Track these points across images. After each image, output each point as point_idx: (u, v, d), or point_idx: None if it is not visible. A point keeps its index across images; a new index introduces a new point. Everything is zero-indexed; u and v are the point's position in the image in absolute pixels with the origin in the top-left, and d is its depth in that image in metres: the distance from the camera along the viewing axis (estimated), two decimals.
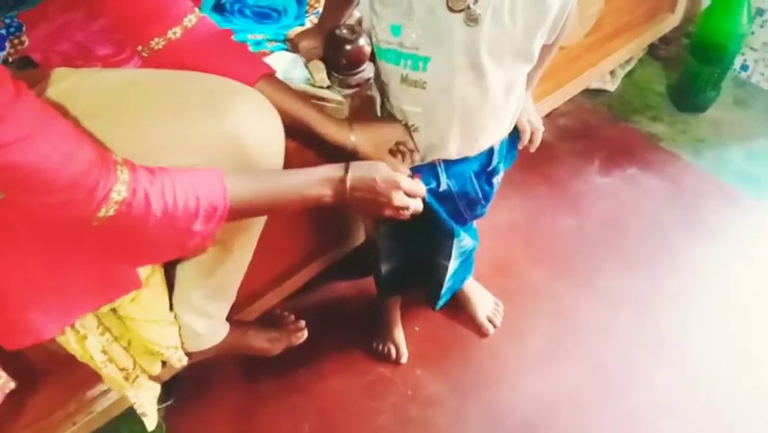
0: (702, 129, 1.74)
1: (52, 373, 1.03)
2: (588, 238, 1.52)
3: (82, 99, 0.81)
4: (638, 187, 1.62)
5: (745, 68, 1.81)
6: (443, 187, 0.99)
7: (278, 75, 1.00)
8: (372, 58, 0.94)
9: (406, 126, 0.93)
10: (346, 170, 0.82)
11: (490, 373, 1.30)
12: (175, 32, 0.86)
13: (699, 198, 1.59)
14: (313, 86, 1.01)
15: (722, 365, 1.29)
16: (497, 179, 1.08)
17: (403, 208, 0.85)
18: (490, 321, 1.35)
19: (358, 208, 0.88)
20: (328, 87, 1.02)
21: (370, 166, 0.84)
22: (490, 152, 1.01)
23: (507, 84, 0.88)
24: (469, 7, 0.78)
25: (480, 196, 1.06)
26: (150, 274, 0.94)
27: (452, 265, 1.17)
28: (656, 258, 1.48)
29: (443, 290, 1.23)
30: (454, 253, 1.13)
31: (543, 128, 1.06)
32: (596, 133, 1.75)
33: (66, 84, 0.84)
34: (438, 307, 1.30)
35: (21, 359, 0.98)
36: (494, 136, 0.96)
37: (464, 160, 0.98)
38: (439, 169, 0.97)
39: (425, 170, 0.97)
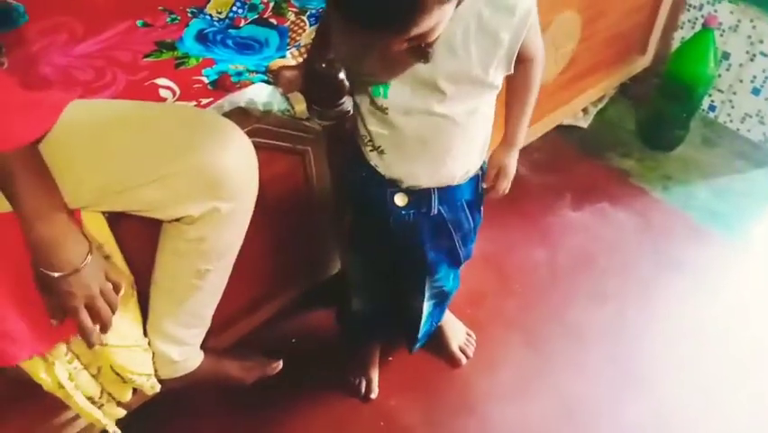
0: (671, 166, 1.79)
1: (17, 402, 1.01)
2: (559, 270, 1.55)
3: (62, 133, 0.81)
4: (608, 221, 1.66)
5: (712, 108, 1.88)
6: (434, 211, 0.99)
7: (259, 106, 1.02)
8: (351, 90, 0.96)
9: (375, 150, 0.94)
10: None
11: (462, 403, 1.31)
12: None
13: (666, 233, 1.63)
14: (293, 117, 1.03)
15: (689, 399, 1.31)
16: (483, 208, 1.09)
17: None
18: (463, 352, 1.36)
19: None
20: (307, 119, 1.03)
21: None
22: (477, 179, 1.02)
23: (469, 108, 0.89)
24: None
25: (473, 226, 1.06)
26: (124, 299, 0.94)
27: (426, 307, 1.16)
28: (625, 290, 1.51)
29: (420, 334, 1.23)
30: (428, 292, 1.13)
31: (512, 175, 1.07)
32: (568, 168, 1.79)
33: None
34: (414, 350, 1.29)
35: None
36: (464, 162, 0.96)
37: (456, 186, 0.99)
38: (432, 194, 0.98)
39: (418, 195, 0.97)
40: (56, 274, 0.79)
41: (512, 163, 1.05)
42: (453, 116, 0.88)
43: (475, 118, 0.91)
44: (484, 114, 0.93)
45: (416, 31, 0.69)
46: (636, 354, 1.39)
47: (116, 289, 0.88)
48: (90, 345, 0.88)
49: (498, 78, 0.88)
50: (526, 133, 1.55)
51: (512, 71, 0.89)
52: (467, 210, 1.04)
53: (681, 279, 1.53)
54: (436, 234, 1.04)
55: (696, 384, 1.33)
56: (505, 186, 1.07)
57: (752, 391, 1.33)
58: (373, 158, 0.95)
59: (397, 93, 0.86)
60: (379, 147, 0.93)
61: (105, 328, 0.88)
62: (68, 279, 0.80)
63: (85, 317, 0.84)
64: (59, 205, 0.79)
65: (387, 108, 0.87)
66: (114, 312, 0.88)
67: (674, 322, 1.44)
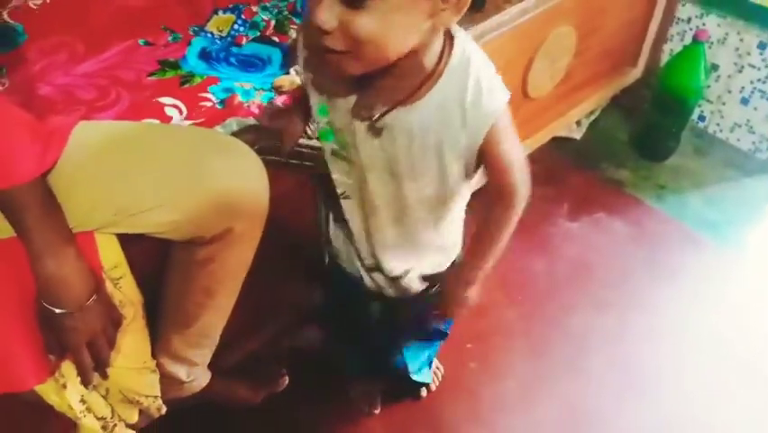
0: (663, 176, 1.82)
1: (26, 427, 1.00)
2: (558, 280, 1.57)
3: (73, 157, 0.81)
4: (605, 230, 1.68)
5: (702, 118, 1.92)
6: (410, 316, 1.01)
7: None
8: None
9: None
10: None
11: (470, 414, 1.31)
12: None
13: (661, 241, 1.66)
14: (308, 138, 1.03)
15: (691, 404, 1.33)
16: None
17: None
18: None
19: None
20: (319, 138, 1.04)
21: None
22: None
23: (439, 191, 0.84)
24: (371, 118, 0.76)
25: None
26: (132, 321, 0.94)
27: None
28: (624, 298, 1.52)
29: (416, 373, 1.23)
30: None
31: (467, 305, 0.95)
32: (564, 179, 1.81)
33: None
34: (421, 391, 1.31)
35: None
36: (432, 245, 0.93)
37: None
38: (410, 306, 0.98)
39: (396, 305, 0.98)
40: (61, 311, 0.78)
41: (457, 293, 0.93)
42: (418, 189, 0.83)
43: (444, 204, 0.87)
44: (452, 203, 0.88)
45: None
46: (638, 360, 1.40)
47: (118, 324, 0.87)
48: (86, 383, 0.87)
49: (457, 171, 0.81)
50: (523, 147, 1.58)
51: (471, 177, 0.84)
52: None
53: (677, 286, 1.55)
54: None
55: (697, 390, 1.35)
56: (451, 313, 0.98)
57: (751, 396, 1.35)
58: (347, 208, 0.91)
59: (360, 150, 0.81)
60: (343, 193, 0.88)
61: (103, 367, 0.87)
62: (74, 316, 0.79)
63: (85, 354, 0.84)
64: (69, 240, 0.78)
65: (353, 162, 0.83)
66: (112, 349, 0.87)
67: (673, 329, 1.46)
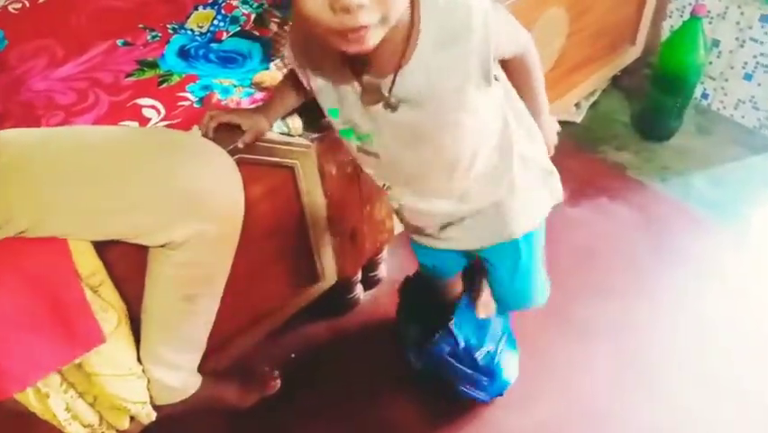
0: (667, 157, 1.77)
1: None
2: (561, 268, 1.52)
3: (34, 165, 0.79)
4: (607, 215, 1.64)
5: (705, 96, 1.86)
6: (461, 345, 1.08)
7: None
8: None
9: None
10: None
11: (472, 410, 1.29)
12: None
13: (666, 224, 1.61)
14: (288, 134, 1.00)
15: (697, 392, 1.29)
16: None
17: None
18: None
19: None
20: (301, 135, 1.01)
21: None
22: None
23: (471, 145, 0.85)
24: (385, 97, 0.77)
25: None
26: (116, 327, 0.92)
27: None
28: (628, 285, 1.49)
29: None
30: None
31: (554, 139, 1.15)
32: (564, 164, 1.73)
33: (13, 150, 0.82)
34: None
35: None
36: (484, 185, 0.93)
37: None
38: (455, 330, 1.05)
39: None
40: None
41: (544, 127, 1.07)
42: (448, 148, 0.84)
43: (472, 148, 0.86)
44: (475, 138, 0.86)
45: None
46: (642, 348, 1.37)
47: None
48: None
49: (480, 91, 0.80)
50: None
51: (491, 85, 0.81)
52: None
53: (682, 271, 1.51)
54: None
55: (703, 376, 1.31)
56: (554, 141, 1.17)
57: (759, 380, 1.31)
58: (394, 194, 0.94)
59: (381, 141, 0.83)
60: (384, 185, 0.91)
61: None
62: None
63: None
64: None
65: (377, 153, 0.84)
66: None
67: (678, 314, 1.42)
